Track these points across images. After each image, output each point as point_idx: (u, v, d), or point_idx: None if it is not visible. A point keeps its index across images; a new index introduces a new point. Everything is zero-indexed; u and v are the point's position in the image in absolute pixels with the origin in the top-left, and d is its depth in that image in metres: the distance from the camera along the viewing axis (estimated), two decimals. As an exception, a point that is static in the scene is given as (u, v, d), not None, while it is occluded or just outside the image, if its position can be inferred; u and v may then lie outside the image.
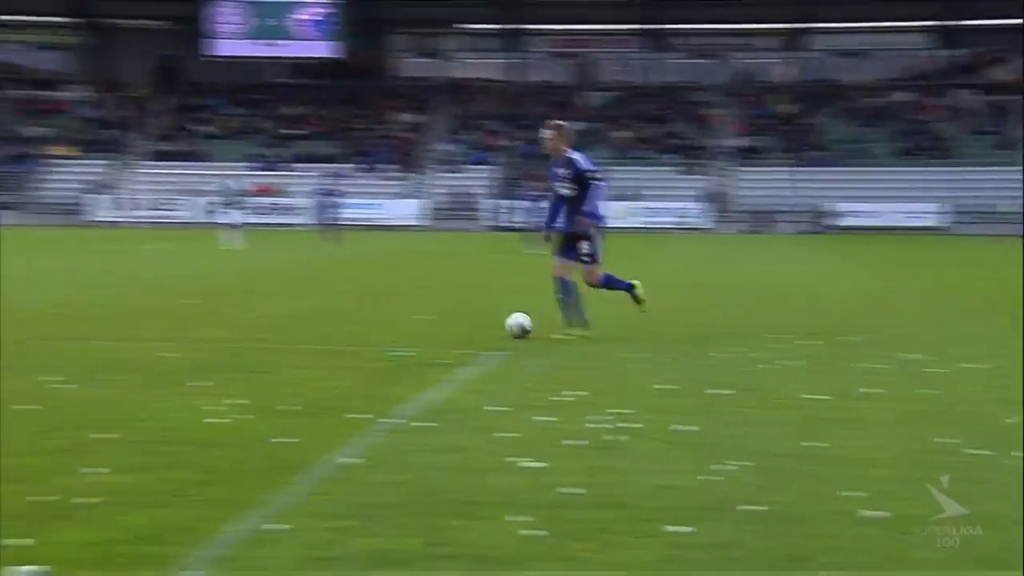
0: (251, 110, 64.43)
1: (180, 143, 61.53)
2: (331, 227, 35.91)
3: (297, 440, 6.68)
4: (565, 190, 11.83)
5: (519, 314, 11.65)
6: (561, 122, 12.34)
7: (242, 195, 37.26)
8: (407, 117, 63.74)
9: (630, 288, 12.24)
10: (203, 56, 63.71)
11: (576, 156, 11.89)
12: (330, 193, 38.04)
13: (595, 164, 12.32)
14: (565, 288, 11.91)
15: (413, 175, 58.89)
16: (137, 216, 53.85)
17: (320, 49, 63.59)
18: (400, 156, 60.37)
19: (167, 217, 53.75)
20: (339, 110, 64.22)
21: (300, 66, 66.77)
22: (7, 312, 13.71)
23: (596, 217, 11.85)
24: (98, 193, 55.86)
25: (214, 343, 11.13)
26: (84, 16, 67.29)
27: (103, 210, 54.68)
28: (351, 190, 50.97)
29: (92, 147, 60.25)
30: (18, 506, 5.28)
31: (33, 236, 40.01)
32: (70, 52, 69.89)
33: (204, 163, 57.67)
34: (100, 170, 58.14)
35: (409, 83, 67.26)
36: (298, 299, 16.39)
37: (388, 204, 55.33)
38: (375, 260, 27.34)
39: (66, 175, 57.66)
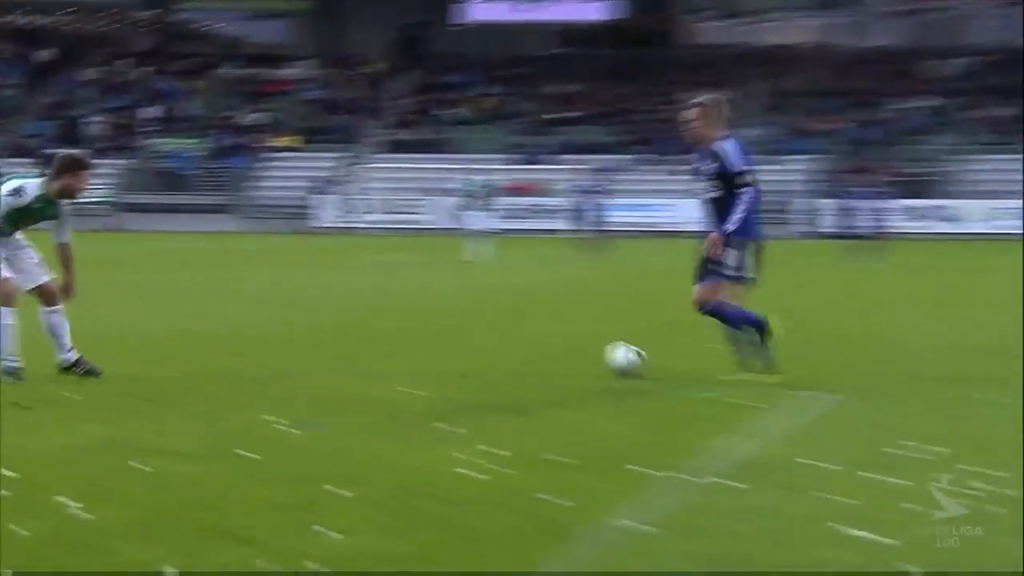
0: (509, 89, 65.60)
1: (423, 131, 63.14)
2: (596, 233, 36.14)
3: (569, 499, 6.77)
4: (709, 191, 11.21)
5: (624, 349, 11.37)
6: (707, 99, 11.60)
7: (494, 194, 37.93)
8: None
9: (761, 330, 11.07)
10: (451, 24, 65.22)
11: (725, 147, 11.21)
12: (593, 192, 38.32)
13: (751, 159, 11.33)
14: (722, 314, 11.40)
15: (710, 168, 58.74)
16: (370, 221, 55.57)
17: (594, 11, 64.23)
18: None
19: (406, 222, 55.24)
20: (617, 88, 64.70)
21: (569, 33, 67.62)
22: (221, 340, 14.37)
23: (745, 232, 11.12)
24: (325, 193, 57.87)
25: (465, 377, 11.38)
26: (310, -22, 69.87)
27: (330, 213, 56.62)
28: (628, 188, 51.25)
29: (319, 137, 62.36)
30: (243, 573, 5.54)
31: (250, 244, 41.78)
32: (294, 21, 72.64)
33: (451, 156, 58.96)
34: (328, 165, 60.19)
35: (705, 52, 67.24)
36: (567, 323, 16.58)
37: (678, 204, 55.36)
38: (662, 274, 27.38)
39: (288, 171, 59.90)
